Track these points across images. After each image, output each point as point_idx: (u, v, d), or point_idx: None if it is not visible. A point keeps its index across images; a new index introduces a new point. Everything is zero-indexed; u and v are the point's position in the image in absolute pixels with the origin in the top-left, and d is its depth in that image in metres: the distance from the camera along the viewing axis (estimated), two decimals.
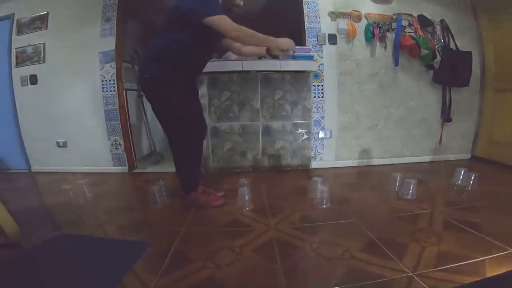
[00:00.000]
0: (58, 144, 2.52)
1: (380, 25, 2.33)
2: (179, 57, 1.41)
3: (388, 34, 2.36)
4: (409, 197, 1.67)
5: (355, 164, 2.52)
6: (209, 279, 0.97)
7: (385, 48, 2.39)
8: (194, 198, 1.60)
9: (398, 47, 2.32)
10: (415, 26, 2.36)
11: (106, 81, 2.37)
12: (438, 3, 2.41)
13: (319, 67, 2.34)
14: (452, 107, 2.49)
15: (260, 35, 1.37)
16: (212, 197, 1.62)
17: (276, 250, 1.14)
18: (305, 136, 2.40)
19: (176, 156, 1.58)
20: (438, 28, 2.41)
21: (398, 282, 0.92)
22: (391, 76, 2.43)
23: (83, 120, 2.45)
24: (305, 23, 2.33)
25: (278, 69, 2.20)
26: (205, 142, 2.38)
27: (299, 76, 2.32)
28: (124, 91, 2.45)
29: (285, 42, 1.44)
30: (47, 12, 2.37)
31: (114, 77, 2.36)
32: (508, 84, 2.34)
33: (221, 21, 1.28)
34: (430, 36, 2.39)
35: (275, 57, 1.63)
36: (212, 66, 2.15)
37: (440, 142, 2.57)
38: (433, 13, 2.40)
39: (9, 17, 2.41)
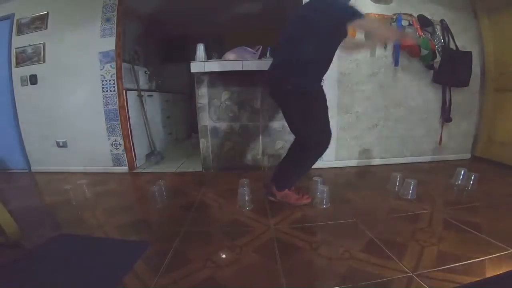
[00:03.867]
0: (58, 144, 2.52)
1: None
2: (323, 66, 1.46)
3: None
4: (409, 197, 1.67)
5: (355, 164, 2.52)
6: (209, 279, 0.97)
7: (385, 48, 2.39)
8: (286, 195, 1.62)
9: (398, 47, 2.32)
10: (415, 26, 2.36)
11: (106, 81, 2.37)
12: (438, 3, 2.40)
13: None
14: (452, 107, 2.48)
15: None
16: (301, 196, 1.64)
17: (276, 250, 1.14)
18: None
19: (300, 159, 1.56)
20: (438, 28, 2.41)
21: (398, 282, 0.92)
22: (391, 76, 2.43)
23: (83, 120, 2.45)
24: None
25: None
26: (205, 141, 2.40)
27: None
28: (124, 91, 2.45)
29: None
30: (47, 12, 2.37)
31: (114, 77, 2.36)
32: (508, 84, 2.34)
33: (369, 21, 1.37)
34: (430, 36, 2.38)
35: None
36: (212, 66, 2.15)
37: (440, 142, 2.57)
38: (433, 13, 2.39)
39: (9, 17, 2.41)
